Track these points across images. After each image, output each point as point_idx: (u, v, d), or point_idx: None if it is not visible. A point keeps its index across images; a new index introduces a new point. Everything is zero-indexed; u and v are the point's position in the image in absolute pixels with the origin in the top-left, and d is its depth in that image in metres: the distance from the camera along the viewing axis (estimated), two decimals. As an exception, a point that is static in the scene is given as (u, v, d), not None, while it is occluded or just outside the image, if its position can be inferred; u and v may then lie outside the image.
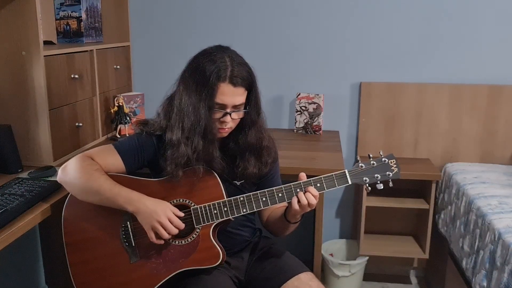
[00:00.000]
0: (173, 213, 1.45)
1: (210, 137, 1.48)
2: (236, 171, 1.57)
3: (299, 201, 1.45)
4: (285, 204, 1.57)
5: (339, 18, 2.66)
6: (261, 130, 1.58)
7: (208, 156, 1.50)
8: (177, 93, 1.51)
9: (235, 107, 1.49)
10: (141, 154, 1.57)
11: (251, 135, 1.55)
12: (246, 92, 1.50)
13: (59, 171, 1.53)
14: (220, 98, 1.45)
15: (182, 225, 1.46)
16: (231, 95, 1.46)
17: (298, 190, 1.47)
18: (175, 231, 1.44)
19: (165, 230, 1.43)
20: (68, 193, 1.56)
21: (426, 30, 2.62)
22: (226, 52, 1.49)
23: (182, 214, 1.47)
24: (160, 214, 1.43)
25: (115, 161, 1.55)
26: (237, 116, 1.51)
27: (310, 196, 1.44)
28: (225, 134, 1.54)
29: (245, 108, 1.52)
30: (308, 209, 1.47)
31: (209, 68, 1.44)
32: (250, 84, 1.49)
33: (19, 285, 2.35)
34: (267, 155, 1.59)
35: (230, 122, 1.50)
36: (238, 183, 1.61)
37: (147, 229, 1.45)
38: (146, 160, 1.59)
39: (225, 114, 1.48)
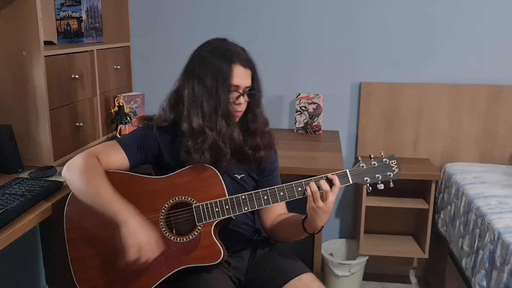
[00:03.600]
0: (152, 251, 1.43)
1: (232, 118, 1.53)
2: (247, 153, 1.59)
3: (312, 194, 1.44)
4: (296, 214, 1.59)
5: (339, 18, 2.67)
6: (263, 113, 1.64)
7: (232, 138, 1.53)
8: (186, 84, 1.54)
9: (245, 89, 1.55)
10: (144, 147, 1.59)
11: (260, 116, 1.61)
12: (252, 75, 1.56)
13: (65, 167, 1.53)
14: (235, 80, 1.51)
15: (156, 255, 1.44)
16: (244, 76, 1.53)
17: (299, 189, 1.47)
18: (152, 257, 1.42)
19: (144, 253, 1.40)
20: (70, 190, 1.57)
21: (426, 30, 2.62)
22: (226, 41, 1.59)
23: (151, 257, 1.44)
24: (145, 239, 1.40)
25: (119, 157, 1.57)
26: (248, 97, 1.56)
27: (324, 184, 1.44)
28: (237, 119, 1.57)
29: (251, 90, 1.57)
30: (320, 202, 1.43)
31: (219, 54, 1.52)
32: (254, 67, 1.57)
33: (19, 285, 2.35)
34: (269, 137, 1.64)
35: (243, 104, 1.55)
36: (238, 177, 1.62)
37: (129, 245, 1.40)
38: (150, 154, 1.60)
39: (240, 95, 1.53)
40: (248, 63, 1.54)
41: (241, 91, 1.53)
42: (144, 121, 1.64)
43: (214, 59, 1.51)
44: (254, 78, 1.58)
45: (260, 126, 1.61)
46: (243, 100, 1.54)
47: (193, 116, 1.51)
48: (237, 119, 1.57)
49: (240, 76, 1.51)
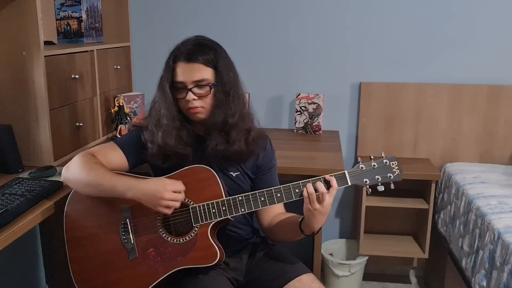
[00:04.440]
0: (173, 185, 1.45)
1: (178, 117, 1.53)
2: (220, 149, 1.55)
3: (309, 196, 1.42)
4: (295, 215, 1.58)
5: (339, 18, 2.67)
6: (230, 110, 1.54)
7: (180, 138, 1.53)
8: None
9: (197, 84, 1.51)
10: (141, 146, 1.60)
11: (218, 113, 1.53)
12: (210, 69, 1.51)
13: (63, 170, 1.55)
14: (178, 77, 1.51)
15: (183, 188, 1.46)
16: (187, 71, 1.50)
17: (297, 190, 1.46)
18: (181, 198, 1.45)
19: (173, 201, 1.43)
20: (70, 190, 1.57)
21: (426, 30, 2.62)
22: (190, 38, 1.56)
23: (182, 187, 1.46)
24: (163, 192, 1.41)
25: (117, 157, 1.58)
26: (199, 91, 1.51)
27: (320, 186, 1.42)
28: (200, 115, 1.54)
29: (213, 85, 1.52)
30: (317, 204, 1.40)
31: (169, 54, 1.54)
32: (211, 61, 1.51)
33: (19, 285, 2.35)
34: (236, 134, 1.55)
35: (198, 101, 1.51)
36: (233, 175, 1.61)
37: (157, 210, 1.43)
38: (146, 153, 1.60)
39: (187, 92, 1.50)
40: (197, 56, 1.49)
41: (188, 87, 1.50)
42: (135, 124, 1.69)
43: (166, 61, 1.54)
44: (217, 72, 1.52)
45: (216, 123, 1.53)
46: (192, 96, 1.50)
47: (150, 123, 1.56)
48: (199, 116, 1.54)
49: (183, 72, 1.50)
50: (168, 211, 1.44)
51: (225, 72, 1.53)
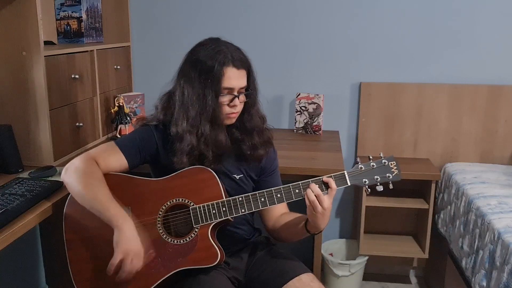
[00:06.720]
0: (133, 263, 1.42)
1: (218, 122, 1.52)
2: (246, 152, 1.59)
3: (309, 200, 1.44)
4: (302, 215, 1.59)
5: (339, 18, 2.67)
6: (259, 111, 1.63)
7: (217, 142, 1.52)
8: (178, 87, 1.54)
9: (240, 90, 1.53)
10: (142, 148, 1.59)
11: (255, 115, 1.60)
12: (247, 74, 1.55)
13: (63, 170, 1.54)
14: (228, 82, 1.49)
15: (135, 270, 1.43)
16: (237, 78, 1.51)
17: (296, 190, 1.47)
18: (133, 271, 1.42)
19: (128, 263, 1.41)
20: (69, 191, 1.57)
21: (426, 30, 2.62)
22: (219, 41, 1.55)
23: (137, 266, 1.43)
24: (136, 248, 1.41)
25: (117, 158, 1.57)
26: (243, 98, 1.55)
27: (315, 188, 1.44)
28: (234, 120, 1.57)
29: (247, 90, 1.56)
30: (319, 208, 1.42)
31: (210, 56, 1.50)
32: (248, 66, 1.55)
33: (19, 285, 2.35)
34: (267, 133, 1.64)
35: (239, 106, 1.54)
36: (237, 177, 1.62)
37: (119, 251, 1.40)
38: (148, 153, 1.60)
39: (234, 97, 1.51)
40: (242, 63, 1.52)
41: (235, 93, 1.52)
42: (140, 121, 1.66)
43: (206, 62, 1.49)
44: (249, 76, 1.56)
45: (257, 124, 1.60)
46: (238, 102, 1.53)
47: (179, 120, 1.52)
48: (234, 121, 1.57)
49: (233, 78, 1.50)
50: (116, 261, 1.40)
51: (254, 73, 1.58)
